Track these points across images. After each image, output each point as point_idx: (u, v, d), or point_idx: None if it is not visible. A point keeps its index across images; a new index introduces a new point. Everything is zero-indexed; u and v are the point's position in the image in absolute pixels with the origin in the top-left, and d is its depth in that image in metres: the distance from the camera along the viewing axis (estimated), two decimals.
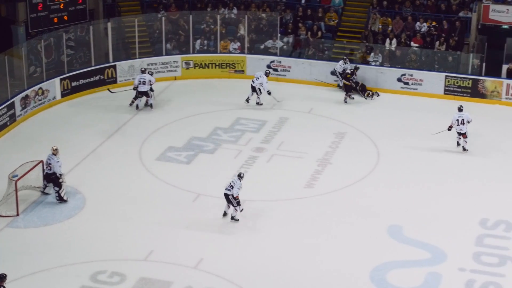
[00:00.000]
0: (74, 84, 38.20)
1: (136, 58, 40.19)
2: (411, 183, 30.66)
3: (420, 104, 37.84)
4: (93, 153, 32.78)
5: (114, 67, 39.51)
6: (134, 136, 34.00)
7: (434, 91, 38.67)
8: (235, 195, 27.35)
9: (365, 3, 42.63)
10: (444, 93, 38.55)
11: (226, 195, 27.50)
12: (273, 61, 40.27)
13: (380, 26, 41.27)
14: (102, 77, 39.11)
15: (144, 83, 35.82)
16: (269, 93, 35.41)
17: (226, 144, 33.62)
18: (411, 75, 39.02)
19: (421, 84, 38.93)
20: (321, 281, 24.77)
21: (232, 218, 27.79)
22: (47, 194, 29.35)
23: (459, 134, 32.73)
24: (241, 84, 39.59)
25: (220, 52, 41.09)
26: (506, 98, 38.17)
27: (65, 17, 40.39)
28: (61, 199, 29.11)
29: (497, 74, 38.88)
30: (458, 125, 32.43)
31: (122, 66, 39.67)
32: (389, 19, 41.40)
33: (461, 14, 41.00)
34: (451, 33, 40.34)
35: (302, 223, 27.93)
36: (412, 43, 40.25)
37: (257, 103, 37.06)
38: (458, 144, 33.00)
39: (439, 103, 37.92)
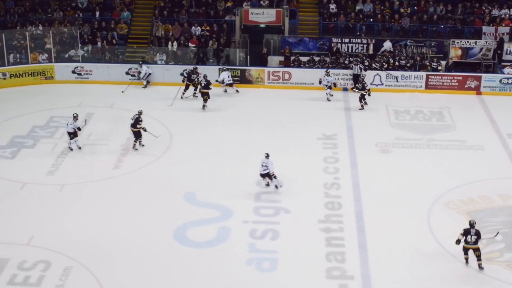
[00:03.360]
0: None
1: None
2: (200, 157, 30.82)
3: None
4: None
5: None
6: None
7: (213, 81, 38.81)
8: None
9: (148, 14, 42.52)
10: (220, 83, 38.75)
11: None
12: (77, 67, 39.62)
13: (163, 32, 41.24)
14: None
15: None
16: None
17: (43, 139, 32.79)
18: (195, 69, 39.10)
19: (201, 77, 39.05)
20: (136, 244, 24.63)
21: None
22: None
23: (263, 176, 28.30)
24: (51, 88, 38.87)
25: (31, 63, 40.06)
26: (268, 82, 38.94)
27: None
28: None
29: (259, 64, 39.64)
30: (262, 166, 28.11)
31: None
32: (170, 26, 41.44)
33: (227, 18, 41.53)
34: (220, 34, 40.75)
35: (114, 199, 27.69)
36: (190, 44, 40.42)
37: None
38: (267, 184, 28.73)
39: (216, 90, 38.11)
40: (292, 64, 39.42)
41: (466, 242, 22.86)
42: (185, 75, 37.55)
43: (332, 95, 36.97)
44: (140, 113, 31.07)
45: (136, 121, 30.89)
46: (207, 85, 35.59)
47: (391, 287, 22.45)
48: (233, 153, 31.20)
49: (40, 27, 41.28)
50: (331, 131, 33.39)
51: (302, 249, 24.33)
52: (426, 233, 25.14)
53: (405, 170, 29.68)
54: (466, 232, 22.76)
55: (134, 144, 31.32)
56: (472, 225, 22.80)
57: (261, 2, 41.97)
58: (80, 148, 31.34)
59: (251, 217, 26.17)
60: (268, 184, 27.93)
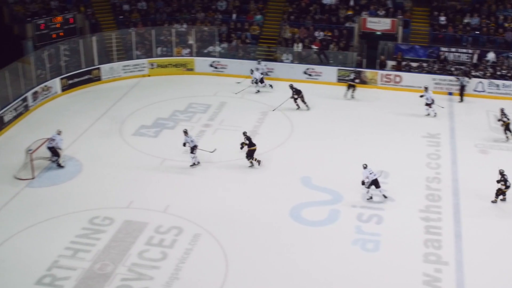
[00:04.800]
0: (70, 82, 37.66)
1: (114, 62, 39.73)
2: (317, 146, 30.70)
3: (320, 89, 37.79)
4: (86, 131, 32.34)
5: (99, 68, 38.99)
6: (116, 118, 33.57)
7: (330, 80, 38.69)
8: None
9: (278, 17, 42.56)
10: (337, 81, 38.62)
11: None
12: (214, 61, 40.04)
13: (290, 34, 41.22)
14: (90, 76, 38.60)
15: None
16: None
17: (182, 122, 33.32)
18: (313, 69, 39.05)
19: (320, 75, 38.96)
20: (256, 218, 24.92)
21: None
22: (61, 166, 28.90)
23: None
24: (191, 78, 39.43)
25: (175, 56, 40.78)
26: (381, 84, 38.47)
27: (61, 34, 39.65)
28: (59, 165, 28.75)
29: (373, 67, 39.20)
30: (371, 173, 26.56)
31: (104, 67, 39.16)
32: (296, 29, 41.37)
33: (347, 24, 41.14)
34: (340, 38, 40.47)
35: (241, 178, 27.97)
36: (313, 46, 40.29)
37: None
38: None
39: (333, 89, 37.96)
40: (403, 69, 38.78)
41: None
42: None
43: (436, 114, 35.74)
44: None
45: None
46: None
47: (483, 275, 21.94)
48: (346, 145, 30.95)
49: (185, 25, 41.89)
50: (435, 130, 32.72)
51: (402, 234, 24.07)
52: None
53: None
54: None
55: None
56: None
57: (378, 12, 41.43)
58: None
59: (359, 202, 26.01)
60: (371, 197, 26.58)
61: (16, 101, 33.54)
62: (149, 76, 39.52)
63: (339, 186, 26.98)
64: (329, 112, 34.70)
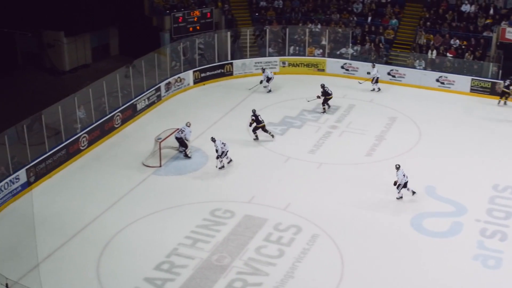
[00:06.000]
0: (202, 75, 38.49)
1: (247, 58, 40.32)
2: (444, 155, 30.09)
3: (452, 99, 37.01)
4: (214, 124, 32.97)
5: (231, 64, 39.65)
6: (243, 114, 33.95)
7: (463, 90, 37.82)
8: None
9: (414, 23, 41.94)
10: (470, 91, 37.73)
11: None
12: (345, 63, 39.90)
13: (425, 41, 40.56)
14: (222, 70, 39.33)
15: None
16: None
17: (310, 122, 33.46)
18: (446, 77, 38.27)
19: (453, 84, 38.16)
20: (373, 227, 24.75)
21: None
22: (188, 157, 29.65)
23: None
24: (322, 79, 39.23)
25: (307, 56, 40.95)
26: None
27: (198, 27, 40.56)
28: (186, 156, 29.46)
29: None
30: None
31: (237, 63, 39.82)
32: (431, 36, 40.64)
33: (484, 33, 40.05)
34: (476, 48, 39.49)
35: (363, 182, 27.78)
36: (448, 54, 39.49)
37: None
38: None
39: (466, 99, 37.12)
40: None
41: None
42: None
43: None
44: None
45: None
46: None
47: None
48: (473, 156, 30.15)
49: (319, 26, 41.95)
50: None
51: None
52: None
53: None
54: None
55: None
56: None
57: None
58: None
59: (483, 216, 25.34)
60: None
61: (150, 90, 34.61)
62: (203, 85, 38.92)
63: (464, 199, 26.37)
64: (460, 122, 33.89)
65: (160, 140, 28.88)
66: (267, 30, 40.99)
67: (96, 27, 41.90)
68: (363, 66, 39.52)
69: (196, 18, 40.62)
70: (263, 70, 37.97)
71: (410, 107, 35.30)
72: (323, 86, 34.80)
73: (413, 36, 41.37)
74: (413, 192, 26.46)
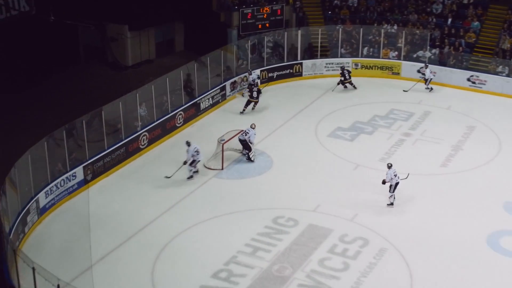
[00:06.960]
0: (270, 74, 38.20)
1: (317, 58, 39.88)
2: None
3: None
4: (280, 127, 32.62)
5: (301, 64, 39.30)
6: (312, 117, 33.62)
7: None
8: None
9: (497, 26, 40.88)
10: None
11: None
12: (422, 67, 39.02)
13: (509, 45, 39.49)
14: (291, 71, 39.02)
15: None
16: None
17: (381, 128, 32.79)
18: None
19: None
20: (446, 243, 23.89)
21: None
22: (251, 160, 29.34)
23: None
24: (396, 83, 38.62)
25: (382, 58, 40.29)
26: None
27: (267, 25, 40.41)
28: (249, 159, 29.17)
29: None
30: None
31: (307, 63, 39.45)
32: None
33: None
34: None
35: (436, 195, 26.99)
36: None
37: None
38: None
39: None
40: None
41: None
42: None
43: None
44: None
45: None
46: None
47: None
48: None
49: (395, 27, 41.28)
50: None
51: None
52: None
53: None
54: None
55: None
56: None
57: None
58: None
59: None
60: None
61: (214, 89, 34.44)
62: (267, 86, 37.87)
63: None
64: None
65: (223, 142, 28.68)
66: (340, 30, 40.47)
67: (161, 21, 41.97)
68: (441, 71, 38.60)
69: (265, 15, 40.43)
70: (250, 73, 36.72)
71: (490, 116, 34.27)
72: (342, 69, 36.91)
73: (496, 40, 40.30)
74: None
